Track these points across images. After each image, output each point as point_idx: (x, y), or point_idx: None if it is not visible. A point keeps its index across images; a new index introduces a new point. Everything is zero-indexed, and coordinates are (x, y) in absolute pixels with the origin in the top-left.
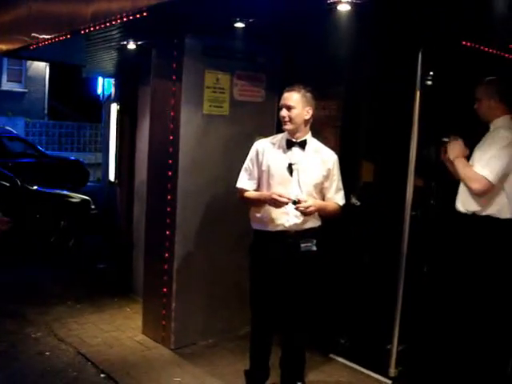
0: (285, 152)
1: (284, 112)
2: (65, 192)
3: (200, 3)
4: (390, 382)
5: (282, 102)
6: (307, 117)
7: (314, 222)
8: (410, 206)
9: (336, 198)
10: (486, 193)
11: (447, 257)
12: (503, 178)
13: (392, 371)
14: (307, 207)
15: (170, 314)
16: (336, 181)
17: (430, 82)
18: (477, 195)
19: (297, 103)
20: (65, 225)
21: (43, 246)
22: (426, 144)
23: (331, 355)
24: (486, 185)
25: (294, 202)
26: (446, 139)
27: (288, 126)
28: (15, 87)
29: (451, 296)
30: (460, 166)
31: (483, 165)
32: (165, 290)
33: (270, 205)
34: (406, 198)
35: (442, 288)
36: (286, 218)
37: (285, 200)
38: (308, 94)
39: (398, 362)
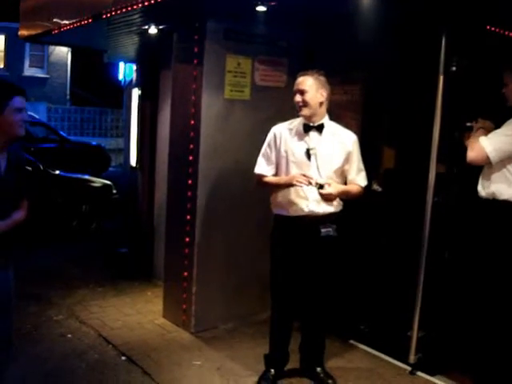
0: (302, 137)
1: (298, 97)
2: (86, 177)
3: None
4: (409, 368)
5: (296, 87)
6: (322, 99)
7: (334, 207)
8: (432, 192)
9: (358, 179)
10: (478, 163)
11: (469, 243)
12: (505, 158)
13: (412, 358)
14: (329, 194)
15: (191, 298)
16: (356, 162)
17: (453, 68)
18: (469, 163)
19: (310, 87)
20: (87, 209)
21: (65, 230)
22: (450, 129)
23: (351, 341)
24: (483, 157)
25: (320, 187)
26: (469, 124)
27: (304, 112)
28: (37, 73)
29: (472, 283)
30: (472, 136)
31: (490, 138)
32: (185, 274)
33: (292, 186)
34: (428, 184)
35: (464, 274)
36: (306, 203)
37: (307, 180)
38: (321, 78)
39: (417, 348)
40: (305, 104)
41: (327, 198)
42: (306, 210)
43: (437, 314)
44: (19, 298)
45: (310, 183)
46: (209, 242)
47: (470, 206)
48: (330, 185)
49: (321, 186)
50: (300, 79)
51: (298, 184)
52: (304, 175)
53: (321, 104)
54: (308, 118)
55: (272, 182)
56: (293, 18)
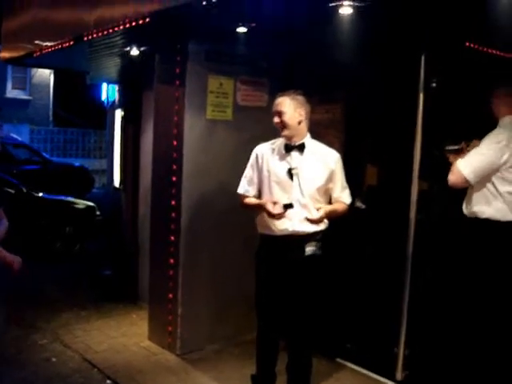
0: (284, 157)
1: (276, 118)
2: (70, 198)
3: (202, 9)
4: None
5: (274, 108)
6: (300, 118)
7: (319, 226)
8: (414, 209)
9: (343, 196)
10: (459, 187)
11: (452, 260)
12: (483, 176)
13: (399, 375)
14: (319, 218)
15: (176, 320)
16: (340, 180)
17: (433, 84)
18: (451, 187)
19: (287, 107)
20: (70, 231)
21: (48, 253)
22: (431, 146)
23: (338, 360)
24: (462, 180)
25: (287, 206)
26: (450, 148)
27: (284, 132)
28: (20, 94)
29: (457, 299)
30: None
31: (465, 160)
32: (170, 295)
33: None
34: (411, 202)
35: (448, 291)
36: (290, 224)
37: (278, 211)
38: (299, 97)
39: (404, 365)
40: (284, 125)
41: (317, 222)
42: (291, 229)
43: (423, 331)
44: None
45: (287, 207)
46: (194, 262)
47: (453, 223)
48: (318, 209)
49: (290, 205)
50: (278, 100)
51: (266, 214)
52: (273, 202)
53: (299, 123)
54: (289, 138)
55: (252, 204)
56: (273, 39)
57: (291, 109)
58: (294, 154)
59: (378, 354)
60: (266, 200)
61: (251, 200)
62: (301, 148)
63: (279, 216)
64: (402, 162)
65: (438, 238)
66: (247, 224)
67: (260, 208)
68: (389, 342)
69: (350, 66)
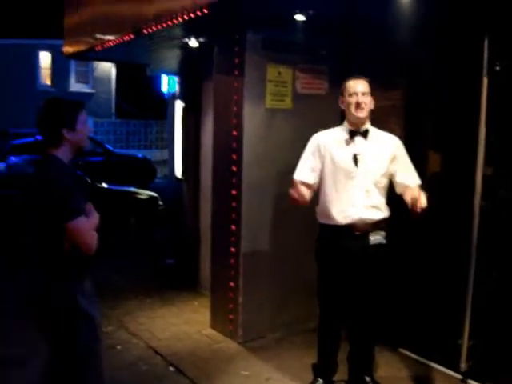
0: (348, 143)
1: (361, 98)
2: (133, 189)
3: None
4: (460, 376)
5: (354, 89)
6: (372, 106)
7: (382, 214)
8: (479, 197)
9: (412, 178)
10: None
11: None
12: None
13: (463, 366)
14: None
15: (238, 308)
16: (405, 163)
17: (497, 68)
18: None
19: (368, 91)
20: (134, 221)
21: (113, 243)
22: (496, 131)
23: (401, 350)
24: None
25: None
26: None
27: (361, 113)
28: (83, 88)
29: None
30: None
31: None
32: (232, 284)
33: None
34: (476, 188)
35: None
36: (355, 210)
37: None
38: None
39: (468, 356)
40: (365, 106)
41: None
42: (356, 217)
43: (487, 322)
44: None
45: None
46: (254, 251)
47: None
48: (418, 195)
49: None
50: (357, 81)
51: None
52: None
53: (371, 111)
54: (359, 122)
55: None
56: (331, 26)
57: (369, 94)
58: (358, 139)
59: (441, 345)
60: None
61: (303, 191)
62: (365, 134)
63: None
64: (465, 148)
65: (503, 227)
66: (307, 212)
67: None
68: (452, 332)
69: (411, 52)
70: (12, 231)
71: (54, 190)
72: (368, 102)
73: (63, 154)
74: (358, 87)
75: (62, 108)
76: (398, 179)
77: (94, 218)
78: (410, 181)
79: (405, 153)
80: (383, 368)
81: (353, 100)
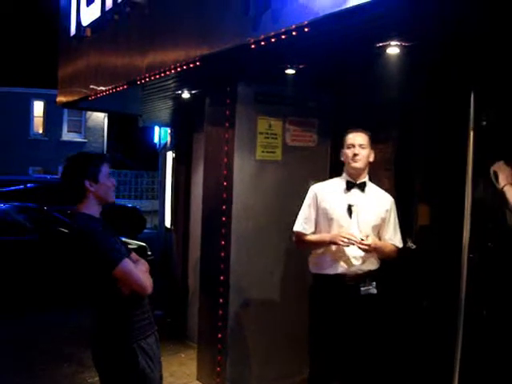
0: (344, 194)
1: (357, 149)
2: (123, 239)
3: (250, 52)
4: None
5: (352, 141)
6: (371, 159)
7: (373, 264)
8: (467, 249)
9: (394, 240)
10: None
11: (507, 300)
12: None
13: None
14: (367, 245)
15: (225, 360)
16: (393, 223)
17: (484, 122)
18: None
19: (367, 143)
20: None
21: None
22: (483, 185)
23: None
24: None
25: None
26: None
27: (358, 165)
28: (75, 137)
29: None
30: (510, 193)
31: None
32: (219, 335)
33: (334, 244)
34: (463, 241)
35: (504, 333)
36: (347, 261)
37: (354, 239)
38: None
39: None
40: (361, 158)
41: (365, 250)
42: (346, 267)
43: (478, 373)
44: (53, 358)
45: (352, 243)
46: (243, 303)
47: (508, 262)
48: (367, 237)
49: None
50: (356, 134)
51: (341, 243)
52: (348, 234)
53: (369, 164)
54: (357, 173)
55: (313, 241)
56: (321, 79)
57: (368, 147)
58: (355, 191)
59: None
60: (335, 234)
61: (313, 236)
62: (362, 186)
63: (349, 241)
64: (453, 201)
65: (492, 278)
66: (297, 263)
67: (323, 243)
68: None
69: (400, 105)
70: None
71: (91, 241)
72: (365, 154)
73: (90, 209)
74: (356, 139)
75: (84, 160)
76: (386, 238)
77: (144, 263)
78: (396, 242)
79: (395, 213)
80: None
81: (350, 152)
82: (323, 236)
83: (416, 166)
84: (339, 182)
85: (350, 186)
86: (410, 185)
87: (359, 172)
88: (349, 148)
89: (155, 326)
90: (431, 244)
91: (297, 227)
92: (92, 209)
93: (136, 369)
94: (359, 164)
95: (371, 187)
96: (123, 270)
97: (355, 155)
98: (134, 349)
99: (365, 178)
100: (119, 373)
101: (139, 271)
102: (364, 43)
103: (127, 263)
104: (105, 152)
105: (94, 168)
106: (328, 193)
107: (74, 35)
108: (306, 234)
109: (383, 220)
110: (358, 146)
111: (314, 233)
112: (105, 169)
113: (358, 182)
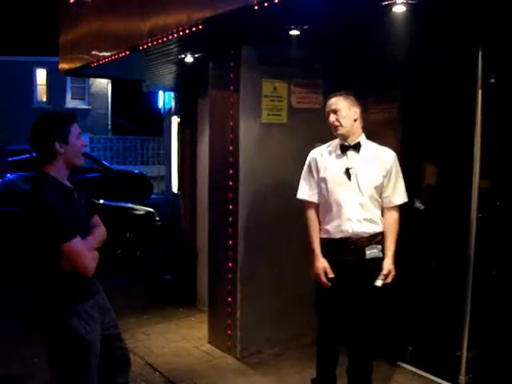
0: (340, 157)
1: (332, 117)
2: (130, 205)
3: (253, 13)
4: None
5: (328, 108)
6: (355, 116)
7: (378, 227)
8: (475, 208)
9: (393, 196)
10: None
11: None
12: None
13: (462, 378)
14: (390, 270)
15: (235, 323)
16: (394, 179)
17: (492, 80)
18: None
19: (342, 106)
20: (130, 237)
21: (110, 259)
22: (492, 142)
23: (399, 363)
24: None
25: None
26: None
27: (340, 131)
28: (79, 105)
29: None
30: None
31: None
32: (229, 299)
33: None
34: (472, 200)
35: None
36: (350, 224)
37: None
38: (350, 96)
39: (468, 368)
40: (340, 123)
41: (390, 276)
42: (350, 231)
43: (487, 333)
44: None
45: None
46: (252, 266)
47: None
48: (388, 270)
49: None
50: (332, 100)
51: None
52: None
53: (355, 121)
54: (345, 137)
55: (309, 232)
56: (326, 40)
57: (346, 107)
58: (351, 153)
59: (440, 357)
60: (322, 266)
61: (314, 238)
62: (357, 147)
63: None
64: (461, 160)
65: (501, 237)
66: (304, 227)
67: (310, 245)
68: (451, 344)
69: (406, 64)
70: (10, 247)
71: (45, 212)
72: (342, 118)
73: (57, 171)
74: (331, 106)
75: (53, 121)
76: (384, 195)
77: (96, 237)
78: (396, 199)
79: (398, 168)
80: (382, 381)
81: (329, 119)
82: (315, 247)
83: (423, 124)
84: (334, 147)
85: (344, 148)
86: (416, 144)
87: (345, 137)
88: (328, 115)
89: (97, 291)
90: (439, 204)
91: (300, 194)
92: (60, 172)
93: (69, 331)
94: (340, 130)
95: (368, 146)
96: (70, 249)
97: (333, 124)
98: (66, 312)
99: (358, 138)
100: (53, 334)
101: (87, 249)
102: (369, 1)
103: (76, 243)
104: (109, 118)
105: (64, 129)
106: (326, 157)
107: (73, 1)
108: (312, 203)
109: (385, 177)
110: (332, 112)
111: (316, 201)
112: (74, 129)
113: (352, 144)
